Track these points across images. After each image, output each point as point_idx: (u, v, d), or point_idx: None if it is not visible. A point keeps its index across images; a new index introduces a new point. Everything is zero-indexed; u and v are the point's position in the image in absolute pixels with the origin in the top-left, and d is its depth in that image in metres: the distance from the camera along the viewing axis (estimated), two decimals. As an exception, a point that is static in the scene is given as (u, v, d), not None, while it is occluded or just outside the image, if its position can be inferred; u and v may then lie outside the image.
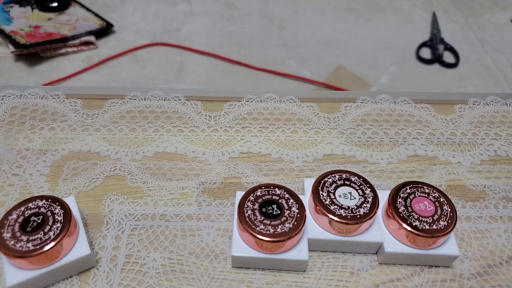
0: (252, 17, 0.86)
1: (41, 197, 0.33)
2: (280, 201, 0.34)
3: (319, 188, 0.35)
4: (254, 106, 0.48)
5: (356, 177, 0.36)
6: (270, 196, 0.34)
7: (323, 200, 0.34)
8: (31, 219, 0.32)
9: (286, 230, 0.32)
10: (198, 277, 0.34)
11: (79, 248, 0.33)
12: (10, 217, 0.32)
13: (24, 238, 0.31)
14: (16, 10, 0.78)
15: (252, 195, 0.34)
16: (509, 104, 0.50)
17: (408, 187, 0.36)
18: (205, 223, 0.38)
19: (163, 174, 0.41)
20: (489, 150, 0.45)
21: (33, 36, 0.73)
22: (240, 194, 0.35)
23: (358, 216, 0.33)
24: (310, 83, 0.73)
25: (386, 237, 0.34)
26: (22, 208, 0.33)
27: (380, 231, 0.35)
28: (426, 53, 0.80)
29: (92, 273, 0.34)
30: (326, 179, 0.36)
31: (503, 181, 0.42)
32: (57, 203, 0.33)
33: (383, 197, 0.36)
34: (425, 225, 0.33)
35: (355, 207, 0.33)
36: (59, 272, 0.32)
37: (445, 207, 0.34)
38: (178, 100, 0.48)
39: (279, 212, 0.33)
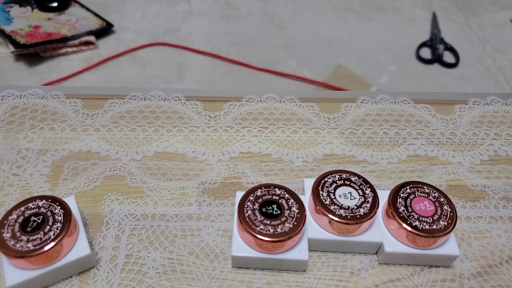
0: (252, 17, 0.86)
1: (41, 197, 0.33)
2: (280, 201, 0.34)
3: (319, 188, 0.35)
4: (254, 106, 0.48)
5: (356, 177, 0.36)
6: (270, 196, 0.34)
7: (323, 200, 0.34)
8: (31, 219, 0.32)
9: (286, 230, 0.32)
10: (198, 277, 0.34)
11: (79, 248, 0.33)
12: (10, 217, 0.32)
13: (24, 238, 0.31)
14: (16, 10, 0.78)
15: (252, 195, 0.34)
16: (509, 104, 0.50)
17: (408, 187, 0.36)
18: (205, 223, 0.38)
19: (163, 174, 0.41)
20: (489, 150, 0.45)
21: (33, 36, 0.73)
22: (240, 194, 0.35)
23: (358, 216, 0.33)
24: (310, 83, 0.73)
25: (386, 237, 0.34)
26: (22, 208, 0.33)
27: (380, 231, 0.35)
28: (426, 53, 0.80)
29: (92, 273, 0.34)
30: (326, 179, 0.36)
31: (503, 181, 0.42)
32: (57, 203, 0.33)
33: (383, 197, 0.36)
34: (425, 225, 0.33)
35: (355, 207, 0.33)
36: (59, 272, 0.32)
37: (445, 207, 0.34)
38: (178, 100, 0.48)
39: (279, 212, 0.33)
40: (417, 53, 0.79)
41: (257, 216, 0.33)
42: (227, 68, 0.75)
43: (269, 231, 0.32)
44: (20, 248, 0.30)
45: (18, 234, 0.31)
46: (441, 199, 0.35)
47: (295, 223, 0.32)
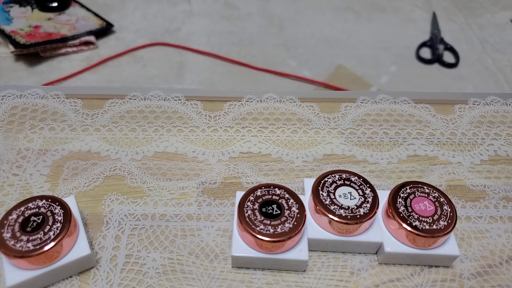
0: (252, 17, 0.86)
1: (41, 197, 0.33)
2: (280, 201, 0.34)
3: (319, 188, 0.35)
4: (254, 106, 0.48)
5: (356, 177, 0.36)
6: (270, 196, 0.34)
7: (323, 200, 0.34)
8: (31, 219, 0.32)
9: (286, 230, 0.32)
10: (198, 277, 0.34)
11: (79, 248, 0.33)
12: (10, 217, 0.32)
13: (24, 238, 0.31)
14: (16, 10, 0.78)
15: (252, 195, 0.34)
16: (509, 104, 0.50)
17: (408, 187, 0.36)
18: (205, 223, 0.38)
19: (163, 174, 0.41)
20: (489, 150, 0.45)
21: (33, 36, 0.73)
22: (240, 194, 0.35)
23: (358, 216, 0.33)
24: (310, 83, 0.73)
25: (386, 237, 0.34)
26: (22, 208, 0.33)
27: (380, 231, 0.35)
28: (426, 53, 0.80)
29: (92, 273, 0.34)
30: (326, 179, 0.36)
31: (503, 181, 0.42)
32: (57, 203, 0.33)
33: (383, 197, 0.36)
34: (425, 225, 0.33)
35: (355, 207, 0.33)
36: (59, 272, 0.32)
37: (445, 207, 0.34)
38: (178, 100, 0.48)
39: (279, 212, 0.33)
40: (417, 53, 0.79)
41: (257, 216, 0.33)
42: (227, 68, 0.75)
43: (269, 231, 0.32)
44: (20, 248, 0.30)
45: (18, 234, 0.31)
46: (441, 199, 0.35)
47: (295, 223, 0.32)
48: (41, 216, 0.32)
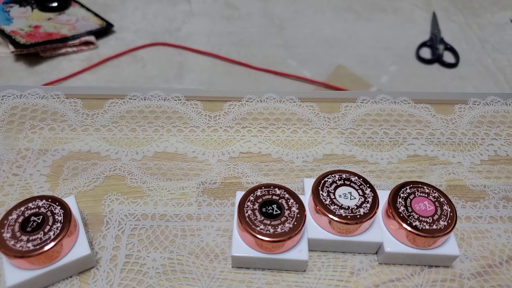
0: (252, 17, 0.86)
1: (41, 197, 0.33)
2: (280, 201, 0.34)
3: (319, 188, 0.35)
4: (254, 106, 0.48)
5: (356, 177, 0.36)
6: (270, 196, 0.34)
7: (323, 200, 0.34)
8: (31, 219, 0.32)
9: (286, 230, 0.32)
10: (198, 277, 0.34)
11: (79, 248, 0.33)
12: (10, 217, 0.32)
13: (24, 238, 0.31)
14: (16, 10, 0.78)
15: (252, 195, 0.34)
16: (509, 104, 0.50)
17: (408, 187, 0.36)
18: (205, 223, 0.38)
19: (163, 174, 0.41)
20: (489, 150, 0.45)
21: (33, 36, 0.73)
22: (240, 194, 0.35)
23: (358, 216, 0.33)
24: (310, 83, 0.73)
25: (386, 237, 0.34)
26: (22, 208, 0.33)
27: (380, 231, 0.35)
28: (426, 53, 0.79)
29: (92, 273, 0.34)
30: (326, 179, 0.36)
31: (503, 181, 0.42)
32: (57, 203, 0.33)
33: (383, 197, 0.36)
34: (425, 225, 0.33)
35: (355, 207, 0.33)
36: (59, 272, 0.32)
37: (445, 207, 0.34)
38: (178, 100, 0.48)
39: (279, 212, 0.33)
40: (417, 53, 0.79)
41: (257, 216, 0.33)
42: (227, 68, 0.75)
43: (269, 231, 0.32)
44: (20, 248, 0.30)
45: (18, 234, 0.31)
46: (441, 199, 0.35)
47: (295, 223, 0.32)
48: (41, 216, 0.32)
